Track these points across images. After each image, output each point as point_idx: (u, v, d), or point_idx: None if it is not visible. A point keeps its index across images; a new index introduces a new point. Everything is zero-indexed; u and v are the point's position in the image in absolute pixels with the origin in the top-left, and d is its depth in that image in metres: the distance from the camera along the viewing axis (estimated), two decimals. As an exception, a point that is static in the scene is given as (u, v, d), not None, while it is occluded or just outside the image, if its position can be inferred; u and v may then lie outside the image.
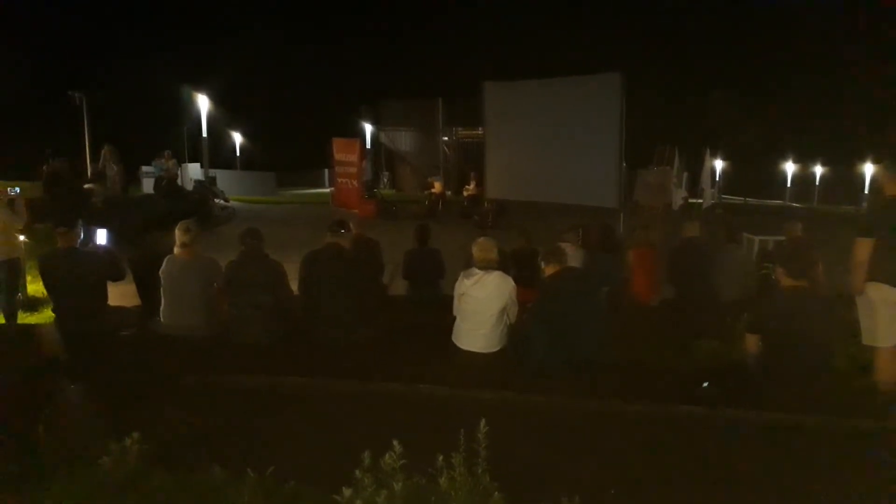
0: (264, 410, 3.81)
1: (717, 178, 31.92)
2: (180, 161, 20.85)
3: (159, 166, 17.09)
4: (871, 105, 38.12)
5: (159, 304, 5.25)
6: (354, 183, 18.27)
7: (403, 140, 29.01)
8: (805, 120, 44.17)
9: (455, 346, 4.85)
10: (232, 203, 17.82)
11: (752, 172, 42.06)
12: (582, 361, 4.39)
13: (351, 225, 5.60)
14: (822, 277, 6.16)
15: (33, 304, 6.85)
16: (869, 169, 37.18)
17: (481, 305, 4.70)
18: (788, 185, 44.88)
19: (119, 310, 5.57)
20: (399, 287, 7.01)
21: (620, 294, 6.45)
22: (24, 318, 6.38)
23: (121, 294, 5.88)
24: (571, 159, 11.36)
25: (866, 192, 36.67)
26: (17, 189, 6.72)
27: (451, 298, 5.05)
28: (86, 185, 12.91)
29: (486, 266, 4.77)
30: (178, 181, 16.88)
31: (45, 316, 6.32)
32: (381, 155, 27.92)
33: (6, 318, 6.07)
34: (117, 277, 5.42)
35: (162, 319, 5.20)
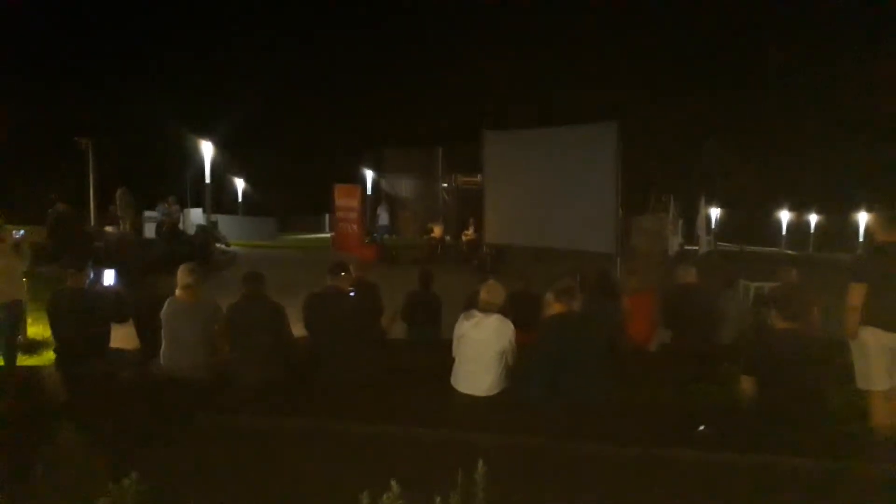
0: (263, 451, 3.82)
1: (713, 225, 32.17)
2: (183, 206, 21.08)
3: (162, 211, 17.28)
4: (866, 154, 38.71)
5: (159, 347, 5.30)
6: (355, 228, 18.47)
7: (404, 186, 29.38)
8: (800, 168, 44.76)
9: (454, 388, 4.88)
10: (233, 247, 17.96)
11: (748, 220, 42.40)
12: (580, 404, 4.42)
13: (351, 268, 5.69)
14: (818, 321, 6.23)
15: (33, 347, 6.88)
16: (863, 217, 37.53)
17: (480, 347, 4.75)
18: (784, 232, 45.20)
19: (119, 352, 5.62)
20: (398, 330, 7.06)
21: (618, 338, 6.50)
22: (23, 360, 6.40)
23: (121, 336, 5.93)
24: (569, 205, 11.55)
25: (861, 239, 36.95)
26: (23, 232, 6.85)
27: (450, 342, 5.10)
28: (106, 228, 13.10)
29: (487, 309, 4.84)
30: (181, 226, 17.06)
31: (45, 359, 6.35)
32: (381, 201, 28.26)
33: (6, 360, 6.10)
34: (122, 319, 5.49)
35: (162, 361, 5.24)
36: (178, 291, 5.24)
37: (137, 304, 5.98)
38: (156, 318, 5.27)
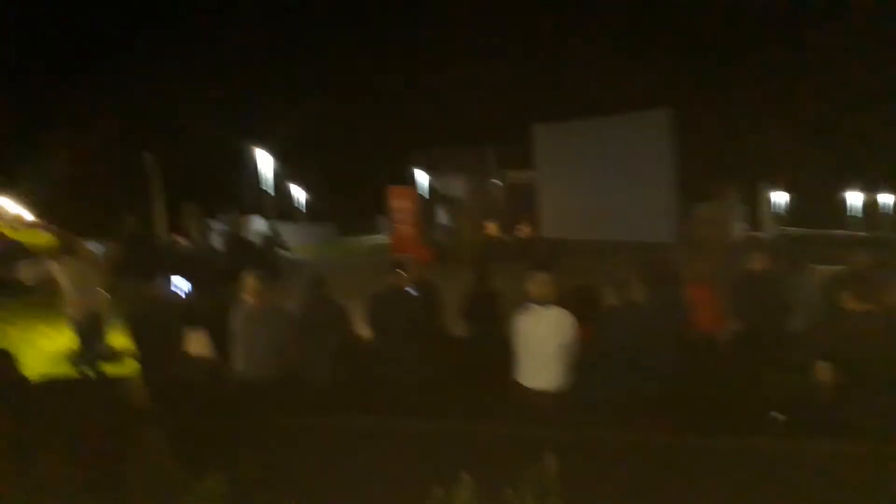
0: (336, 449, 3.94)
1: (777, 210, 31.05)
2: (245, 214, 21.72)
3: (228, 221, 17.81)
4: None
5: (231, 352, 5.50)
6: (411, 229, 18.66)
7: (457, 186, 29.53)
8: (871, 145, 42.65)
9: (518, 384, 4.89)
10: (295, 253, 18.40)
11: (817, 202, 40.72)
12: (647, 396, 4.37)
13: (409, 267, 5.78)
14: (896, 305, 5.96)
15: (116, 357, 7.23)
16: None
17: (541, 341, 4.74)
18: (857, 213, 43.24)
19: (194, 358, 5.85)
20: (460, 329, 7.09)
21: (683, 328, 6.37)
22: (106, 369, 6.74)
23: (196, 345, 6.17)
24: (624, 196, 11.40)
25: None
26: (98, 245, 7.20)
27: (510, 338, 5.10)
28: (178, 240, 13.63)
29: (543, 301, 4.83)
30: (244, 234, 17.56)
31: (127, 368, 6.66)
32: (439, 201, 28.51)
33: (90, 370, 6.44)
34: (194, 325, 5.72)
35: (235, 366, 5.44)
36: (246, 297, 5.43)
37: (208, 312, 6.22)
38: (226, 325, 5.48)
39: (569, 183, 12.85)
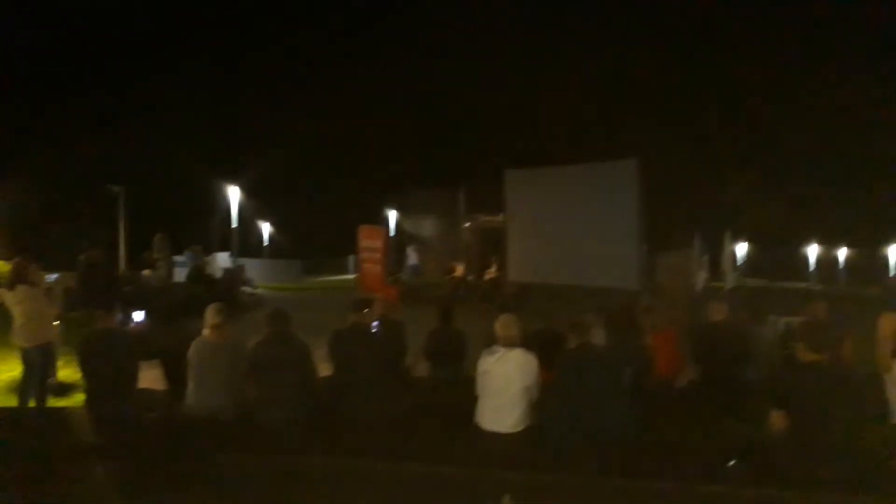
0: (289, 490, 3.83)
1: (739, 261, 31.78)
2: (210, 250, 21.49)
3: (190, 256, 17.60)
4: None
5: (185, 387, 5.37)
6: (378, 268, 18.62)
7: (426, 226, 29.63)
8: (828, 202, 44.22)
9: (478, 426, 4.85)
10: (260, 290, 18.16)
11: (775, 254, 41.80)
12: (606, 439, 4.37)
13: (375, 305, 5.75)
14: (850, 356, 6.10)
15: (64, 389, 7.00)
16: (894, 250, 36.83)
17: (504, 383, 4.73)
18: (812, 267, 44.47)
19: (147, 392, 5.69)
20: (422, 369, 7.05)
21: (644, 374, 6.42)
22: (54, 402, 6.51)
23: (149, 378, 6.01)
24: (591, 243, 11.56)
25: (892, 273, 36.17)
26: (55, 276, 7.04)
27: (474, 379, 5.08)
28: (144, 272, 13.45)
29: (509, 343, 4.83)
30: (208, 269, 17.34)
31: (76, 400, 6.44)
32: (410, 241, 28.53)
33: (37, 401, 6.21)
34: (147, 358, 5.58)
35: (188, 401, 5.30)
36: (205, 331, 5.32)
37: (165, 345, 6.08)
38: (183, 359, 5.35)
39: (537, 228, 12.99)
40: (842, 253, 45.69)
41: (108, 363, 5.23)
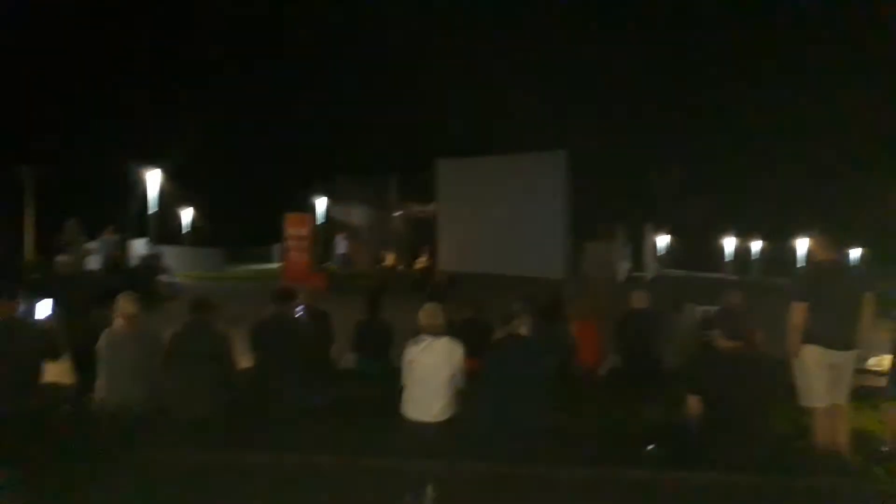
0: (205, 486, 3.68)
1: (660, 252, 33.00)
2: (126, 237, 20.50)
3: (102, 242, 16.76)
4: (806, 182, 40.59)
5: (95, 381, 5.07)
6: (305, 257, 18.29)
7: (356, 215, 29.29)
8: (744, 196, 46.57)
9: (403, 416, 4.80)
10: (178, 279, 17.48)
11: (694, 246, 43.65)
12: (528, 428, 4.40)
13: (300, 294, 5.60)
14: (762, 342, 6.40)
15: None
16: (803, 243, 39.08)
17: (430, 372, 4.69)
18: (728, 258, 46.67)
19: (52, 387, 5.34)
20: (349, 360, 6.94)
21: (568, 361, 6.54)
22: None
23: (56, 371, 5.65)
24: (520, 232, 11.71)
25: (800, 264, 38.40)
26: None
27: (400, 370, 5.03)
28: (58, 258, 12.71)
29: (434, 331, 4.80)
30: (124, 257, 16.56)
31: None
32: (340, 230, 28.11)
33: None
34: (53, 356, 5.22)
35: (98, 395, 5.01)
36: (116, 321, 5.04)
37: (74, 337, 5.73)
38: (93, 352, 5.06)
39: (467, 217, 13.05)
40: (756, 245, 48.11)
41: (6, 355, 4.86)
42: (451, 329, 5.22)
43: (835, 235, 4.68)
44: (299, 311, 5.56)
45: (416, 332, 5.20)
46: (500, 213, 12.39)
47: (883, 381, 6.49)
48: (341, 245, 24.54)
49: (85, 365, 5.48)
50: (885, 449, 4.57)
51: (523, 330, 4.81)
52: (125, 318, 5.02)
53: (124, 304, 5.03)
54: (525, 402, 4.49)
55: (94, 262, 16.64)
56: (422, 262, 17.76)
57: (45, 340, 5.17)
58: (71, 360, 5.69)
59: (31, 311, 5.96)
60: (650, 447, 4.24)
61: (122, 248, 17.49)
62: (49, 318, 6.04)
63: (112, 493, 3.56)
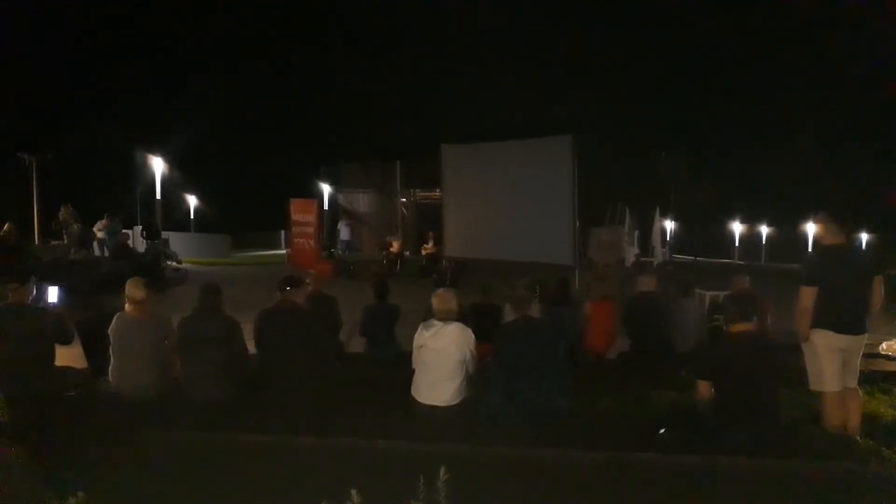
0: (216, 467, 3.69)
1: (668, 237, 32.87)
2: (133, 223, 20.54)
3: (107, 228, 16.84)
4: (815, 168, 40.33)
5: (107, 366, 5.10)
6: (311, 243, 18.27)
7: (362, 201, 29.27)
8: (751, 181, 46.36)
9: (414, 399, 4.81)
10: (185, 265, 17.53)
11: (702, 232, 43.49)
12: (539, 411, 4.41)
13: (307, 281, 5.60)
14: (771, 327, 6.38)
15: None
16: (811, 228, 38.86)
17: (440, 357, 4.69)
18: (736, 244, 46.48)
19: (65, 370, 5.37)
20: (357, 345, 6.95)
21: (577, 346, 6.54)
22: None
23: (68, 356, 5.69)
24: (527, 218, 11.65)
25: (810, 249, 38.23)
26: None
27: (410, 354, 5.04)
28: (53, 243, 12.78)
29: (446, 317, 4.80)
30: (130, 243, 16.61)
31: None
32: (342, 216, 28.07)
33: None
34: (65, 340, 5.25)
35: (110, 380, 5.03)
36: (126, 307, 5.05)
37: (85, 322, 5.75)
38: (104, 337, 5.07)
39: (473, 203, 12.99)
40: (764, 230, 47.90)
41: (20, 341, 4.89)
42: (461, 314, 5.22)
43: (842, 220, 4.63)
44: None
45: (424, 317, 5.21)
46: (507, 198, 12.30)
47: (895, 366, 6.49)
48: (344, 231, 24.57)
49: (95, 350, 5.51)
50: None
51: (533, 312, 4.80)
52: (135, 304, 5.03)
53: (133, 290, 5.04)
54: (534, 385, 4.49)
55: (101, 248, 16.75)
56: (428, 248, 17.74)
57: (57, 324, 5.19)
58: (82, 344, 5.72)
59: (42, 296, 5.98)
60: (661, 431, 4.23)
61: (129, 234, 17.55)
62: (57, 304, 6.06)
63: (125, 474, 3.58)
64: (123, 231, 16.67)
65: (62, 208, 16.29)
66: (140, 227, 18.95)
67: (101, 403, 4.87)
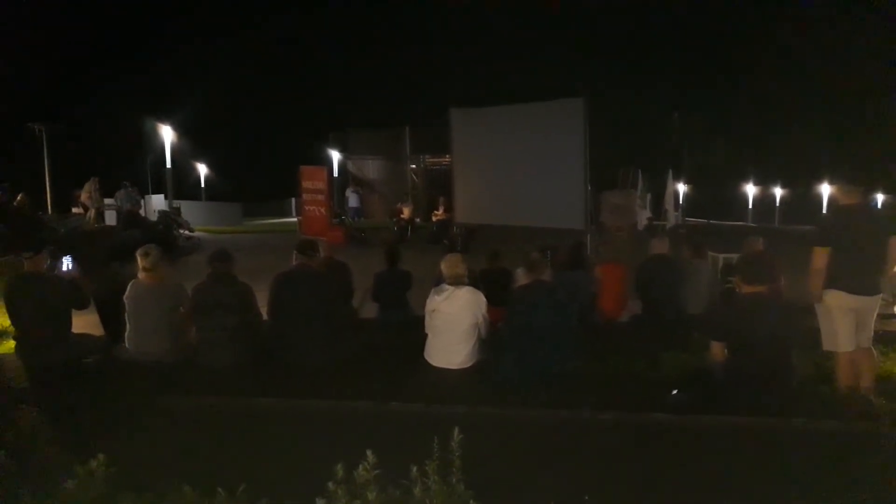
0: (234, 431, 3.75)
1: (681, 200, 32.59)
2: (144, 192, 20.60)
3: (121, 198, 16.91)
4: (830, 128, 39.63)
5: (123, 332, 5.17)
6: (322, 210, 18.25)
7: (371, 168, 29.12)
8: (765, 143, 45.69)
9: (427, 363, 4.85)
10: (197, 233, 17.61)
11: (714, 195, 43.10)
12: (553, 373, 4.43)
13: (320, 247, 5.61)
14: (784, 288, 6.34)
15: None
16: (826, 189, 38.38)
17: (452, 321, 4.71)
18: (750, 206, 46.04)
19: (83, 337, 5.45)
20: (370, 311, 6.99)
21: (589, 309, 6.53)
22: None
23: (84, 324, 5.76)
24: (538, 183, 11.53)
25: (824, 211, 37.77)
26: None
27: (422, 319, 5.06)
28: (74, 210, 12.88)
29: (456, 281, 4.80)
30: (142, 212, 16.70)
31: (7, 347, 6.14)
32: (350, 183, 27.94)
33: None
34: (81, 305, 5.33)
35: (127, 345, 5.11)
36: (140, 274, 5.10)
37: (100, 290, 5.81)
38: (119, 304, 5.14)
39: (483, 168, 12.85)
40: (777, 192, 47.36)
41: (37, 309, 4.96)
42: (472, 279, 5.22)
43: (857, 180, 4.55)
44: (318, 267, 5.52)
45: (435, 283, 5.22)
46: (518, 162, 12.15)
47: (909, 326, 6.42)
48: (352, 198, 24.50)
49: (111, 317, 5.58)
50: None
51: (546, 276, 4.80)
52: (148, 271, 5.07)
53: (143, 259, 5.08)
54: (548, 348, 4.50)
55: (111, 218, 16.86)
56: (438, 214, 17.68)
57: (72, 289, 5.26)
58: (98, 312, 5.79)
59: (57, 265, 6.03)
60: (674, 392, 4.25)
61: (140, 203, 17.65)
62: (72, 271, 6.11)
63: (144, 437, 3.65)
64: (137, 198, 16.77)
65: (91, 180, 16.30)
66: (152, 196, 19.00)
67: (118, 369, 4.94)
